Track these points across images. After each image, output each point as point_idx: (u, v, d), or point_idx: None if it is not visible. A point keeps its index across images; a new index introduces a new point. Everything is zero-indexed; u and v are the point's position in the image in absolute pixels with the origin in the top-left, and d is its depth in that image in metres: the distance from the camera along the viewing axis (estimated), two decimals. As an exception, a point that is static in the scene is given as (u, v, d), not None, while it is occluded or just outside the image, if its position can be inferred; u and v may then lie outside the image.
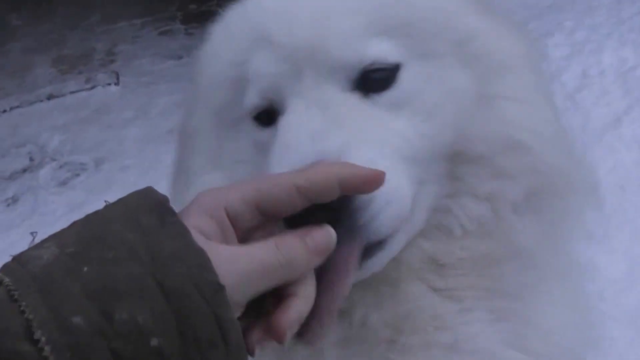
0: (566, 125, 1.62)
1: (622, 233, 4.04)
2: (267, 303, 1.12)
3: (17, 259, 1.00)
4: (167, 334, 0.95)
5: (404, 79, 1.45)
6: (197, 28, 7.04)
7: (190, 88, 1.74)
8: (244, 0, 1.60)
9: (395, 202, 1.31)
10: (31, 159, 6.07)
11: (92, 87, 6.89)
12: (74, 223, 1.05)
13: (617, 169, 4.42)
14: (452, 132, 1.44)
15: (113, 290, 0.95)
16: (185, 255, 1.00)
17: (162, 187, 1.23)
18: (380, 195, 1.26)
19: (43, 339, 0.90)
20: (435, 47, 1.48)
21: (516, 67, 1.54)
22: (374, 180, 1.19)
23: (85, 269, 0.96)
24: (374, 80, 1.44)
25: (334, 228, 1.17)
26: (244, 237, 1.13)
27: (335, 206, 1.18)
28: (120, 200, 1.08)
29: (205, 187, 1.32)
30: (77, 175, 5.75)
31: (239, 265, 1.05)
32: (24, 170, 5.98)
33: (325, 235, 1.15)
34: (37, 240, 1.07)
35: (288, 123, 1.39)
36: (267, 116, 1.48)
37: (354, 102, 1.42)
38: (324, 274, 1.18)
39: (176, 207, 1.22)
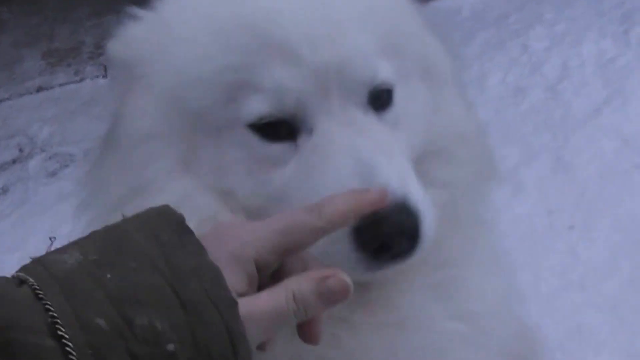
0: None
1: (602, 222, 4.01)
2: None
3: (39, 261, 1.04)
4: (183, 341, 0.99)
5: (397, 99, 1.53)
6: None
7: (133, 83, 1.53)
8: None
9: (431, 222, 1.40)
10: (21, 150, 6.02)
11: (81, 80, 6.84)
12: (93, 233, 1.10)
13: (597, 159, 4.39)
14: (423, 138, 1.57)
15: (134, 297, 0.99)
16: (202, 272, 1.04)
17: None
18: (429, 221, 1.39)
19: (67, 336, 0.94)
20: (410, 68, 1.57)
21: (450, 80, 1.70)
22: (382, 201, 1.25)
23: (109, 275, 1.01)
24: (381, 100, 1.49)
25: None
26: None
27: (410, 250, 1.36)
28: (138, 215, 1.12)
29: (177, 195, 1.45)
30: (66, 166, 5.70)
31: (253, 314, 1.07)
32: (14, 161, 5.93)
33: (340, 283, 1.16)
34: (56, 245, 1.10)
35: (331, 144, 1.40)
36: (276, 129, 1.44)
37: (373, 121, 1.47)
38: None
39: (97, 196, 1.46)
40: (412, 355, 1.54)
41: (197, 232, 1.10)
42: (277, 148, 1.44)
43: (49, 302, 0.96)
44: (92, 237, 1.09)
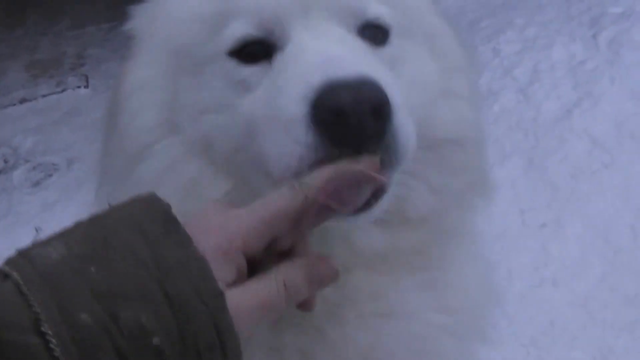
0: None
1: (574, 221, 4.06)
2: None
3: (23, 254, 1.02)
4: (169, 335, 0.98)
5: (393, 43, 1.49)
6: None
7: (133, 40, 1.61)
8: None
9: (412, 138, 1.29)
10: (5, 161, 5.97)
11: (63, 90, 6.79)
12: (79, 224, 1.07)
13: (568, 159, 4.43)
14: (421, 111, 1.46)
15: (119, 292, 0.98)
16: (188, 264, 1.03)
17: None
18: (405, 126, 1.26)
19: (50, 332, 0.92)
20: (413, 32, 1.55)
21: (463, 69, 1.63)
22: (369, 175, 1.17)
23: (93, 269, 0.99)
24: (375, 34, 1.45)
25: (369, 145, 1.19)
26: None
27: (376, 134, 1.20)
28: (124, 204, 1.10)
29: (167, 160, 1.47)
30: (50, 175, 5.66)
31: (244, 305, 1.08)
32: (-1, 172, 5.89)
33: (329, 269, 1.21)
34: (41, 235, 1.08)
35: (301, 49, 1.34)
36: (255, 51, 1.41)
37: (363, 45, 1.41)
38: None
39: (115, 182, 1.45)
40: (396, 343, 1.53)
41: (182, 221, 1.08)
42: (251, 70, 1.41)
43: (32, 298, 0.95)
44: (77, 229, 1.06)
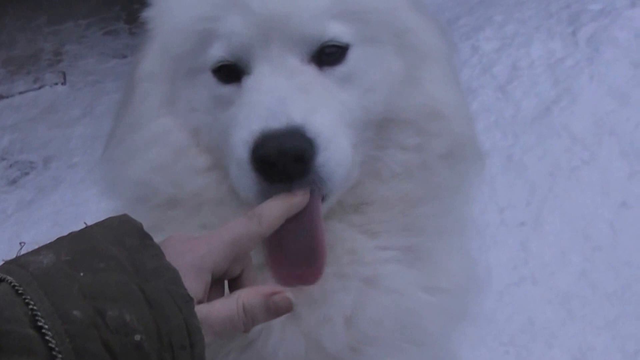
0: (469, 107, 1.94)
1: (552, 218, 4.05)
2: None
3: (15, 262, 1.15)
4: (148, 332, 1.11)
5: (352, 58, 1.64)
6: (140, 27, 6.81)
7: (143, 33, 1.82)
8: None
9: (343, 163, 1.54)
10: (-18, 160, 5.91)
11: (40, 87, 6.70)
12: (61, 238, 1.22)
13: (547, 157, 4.41)
14: (384, 104, 1.67)
15: (105, 293, 1.11)
16: (162, 272, 1.18)
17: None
18: (332, 159, 1.50)
19: (46, 326, 1.05)
20: (378, 35, 1.68)
21: (437, 58, 1.77)
22: (302, 204, 1.47)
23: (82, 274, 1.12)
24: (328, 55, 1.61)
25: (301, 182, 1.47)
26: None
27: (300, 174, 1.47)
28: (101, 222, 1.25)
29: (158, 131, 1.71)
30: (27, 173, 5.61)
31: (210, 318, 1.24)
32: (-24, 171, 5.81)
33: (286, 300, 1.33)
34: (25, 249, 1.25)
35: (257, 85, 1.56)
36: (229, 73, 1.62)
37: (312, 72, 1.59)
38: (300, 222, 1.49)
39: (118, 145, 1.75)
40: (383, 314, 1.68)
41: (155, 240, 1.25)
42: (227, 89, 1.63)
43: (28, 297, 1.07)
44: (62, 240, 1.20)
